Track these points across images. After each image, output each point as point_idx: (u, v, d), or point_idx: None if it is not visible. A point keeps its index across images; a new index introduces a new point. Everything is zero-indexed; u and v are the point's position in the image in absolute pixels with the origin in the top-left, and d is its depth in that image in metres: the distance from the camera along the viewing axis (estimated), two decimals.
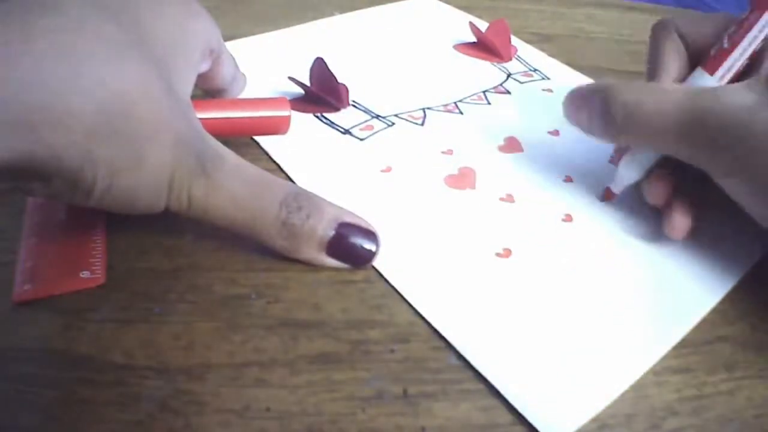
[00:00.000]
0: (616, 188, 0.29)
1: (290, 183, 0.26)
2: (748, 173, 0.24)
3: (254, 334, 0.23)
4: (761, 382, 0.23)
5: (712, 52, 0.27)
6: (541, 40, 0.45)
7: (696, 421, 0.21)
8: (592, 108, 0.28)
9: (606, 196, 0.30)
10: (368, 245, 0.26)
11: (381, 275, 0.26)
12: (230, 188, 0.24)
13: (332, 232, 0.25)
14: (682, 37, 0.29)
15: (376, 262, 0.26)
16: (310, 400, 0.21)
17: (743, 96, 0.24)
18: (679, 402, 0.22)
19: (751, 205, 0.25)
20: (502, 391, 0.21)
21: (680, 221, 0.27)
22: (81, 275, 0.24)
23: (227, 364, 0.22)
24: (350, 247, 0.25)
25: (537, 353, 0.23)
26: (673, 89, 0.26)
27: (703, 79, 0.27)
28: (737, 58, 0.26)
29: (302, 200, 0.25)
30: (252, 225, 0.24)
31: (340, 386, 0.22)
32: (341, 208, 0.26)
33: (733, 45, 0.26)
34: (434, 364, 0.23)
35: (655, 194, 0.28)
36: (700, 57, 0.28)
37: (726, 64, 0.26)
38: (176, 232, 0.27)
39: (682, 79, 0.29)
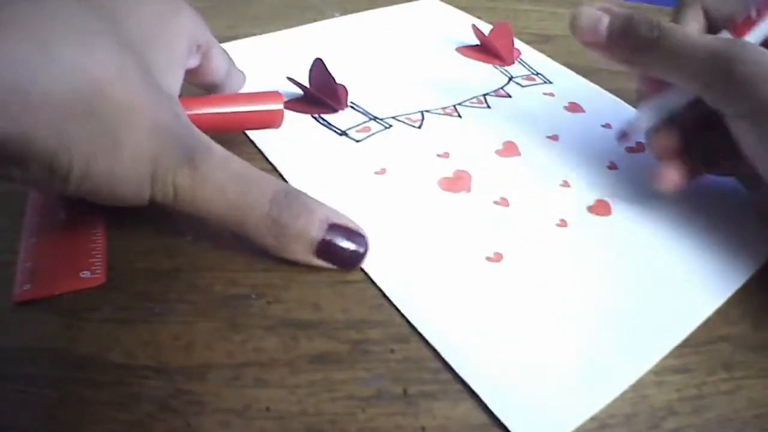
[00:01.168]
0: (630, 129, 0.30)
1: (279, 180, 0.25)
2: (761, 117, 0.25)
3: (254, 334, 0.23)
4: (761, 382, 0.23)
5: (739, 20, 0.27)
6: (540, 41, 0.46)
7: (696, 421, 0.21)
8: (618, 24, 0.28)
9: (621, 136, 0.30)
10: (356, 247, 0.25)
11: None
12: (218, 180, 0.23)
13: (323, 234, 0.25)
14: (706, 12, 0.30)
15: (366, 265, 0.26)
16: (310, 400, 0.21)
17: None
18: (679, 402, 0.22)
19: (756, 154, 0.25)
20: (490, 404, 0.21)
21: (670, 174, 0.27)
22: (81, 275, 0.24)
23: (227, 364, 0.22)
24: (339, 249, 0.25)
25: (535, 356, 0.23)
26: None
27: None
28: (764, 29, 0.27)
29: (292, 198, 0.24)
30: (241, 221, 0.24)
31: (340, 386, 0.22)
32: (330, 208, 0.25)
33: (761, 15, 0.27)
34: (434, 364, 0.23)
35: (659, 145, 0.28)
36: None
37: (753, 34, 0.27)
38: (176, 232, 0.27)
39: None
